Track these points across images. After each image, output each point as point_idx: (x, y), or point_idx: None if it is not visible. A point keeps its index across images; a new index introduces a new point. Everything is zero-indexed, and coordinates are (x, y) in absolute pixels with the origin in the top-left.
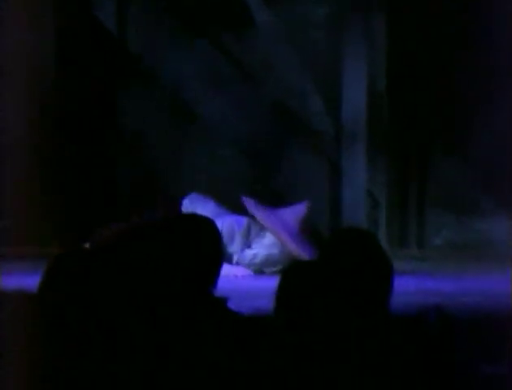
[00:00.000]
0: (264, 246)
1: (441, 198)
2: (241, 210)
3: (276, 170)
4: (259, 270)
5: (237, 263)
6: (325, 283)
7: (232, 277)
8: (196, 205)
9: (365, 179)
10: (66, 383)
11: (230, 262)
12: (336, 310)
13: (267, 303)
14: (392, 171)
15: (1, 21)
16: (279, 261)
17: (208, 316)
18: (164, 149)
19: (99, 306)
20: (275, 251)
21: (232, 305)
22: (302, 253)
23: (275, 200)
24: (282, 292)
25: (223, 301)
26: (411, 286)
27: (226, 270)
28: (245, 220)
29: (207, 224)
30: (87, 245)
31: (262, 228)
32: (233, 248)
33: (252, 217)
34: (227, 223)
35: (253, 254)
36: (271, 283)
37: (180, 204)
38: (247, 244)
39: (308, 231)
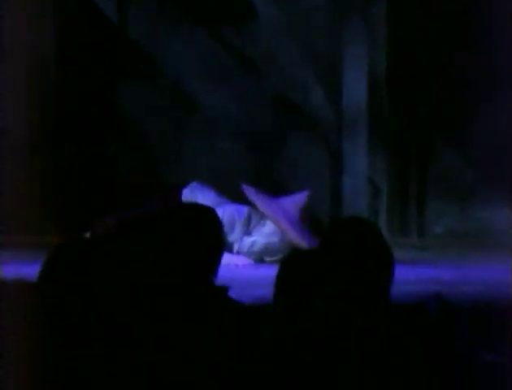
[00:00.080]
0: (264, 234)
1: (442, 187)
2: (242, 200)
3: (277, 159)
4: (260, 258)
5: (238, 252)
6: (325, 272)
7: (233, 266)
8: (196, 194)
9: (365, 168)
10: (65, 373)
11: (230, 251)
12: (336, 299)
13: (268, 292)
14: (392, 160)
15: (1, 20)
16: (279, 249)
17: (209, 305)
18: (165, 140)
19: (99, 296)
20: (274, 239)
21: (232, 294)
22: (302, 241)
23: (275, 189)
24: (281, 281)
25: (223, 290)
26: (411, 275)
27: (226, 259)
28: (245, 209)
29: (208, 213)
30: (87, 235)
31: (263, 217)
32: (234, 237)
33: (252, 206)
34: (227, 212)
35: (251, 242)
36: (272, 272)
37: (181, 194)
38: (247, 233)
39: (308, 219)
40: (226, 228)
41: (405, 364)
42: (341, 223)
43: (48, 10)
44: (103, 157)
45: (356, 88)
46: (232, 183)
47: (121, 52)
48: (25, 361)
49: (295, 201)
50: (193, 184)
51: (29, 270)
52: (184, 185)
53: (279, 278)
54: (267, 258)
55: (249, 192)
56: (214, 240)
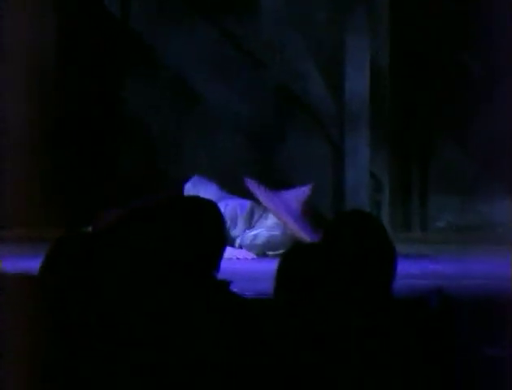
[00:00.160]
0: (266, 228)
1: (444, 181)
2: (243, 194)
3: (278, 153)
4: (262, 252)
5: (240, 246)
6: (326, 266)
7: (235, 260)
8: (198, 188)
9: (367, 162)
10: (66, 367)
11: (233, 245)
12: (338, 293)
13: (270, 286)
14: (394, 154)
15: (1, 20)
16: (281, 243)
17: (210, 299)
18: (165, 133)
19: (101, 289)
20: (276, 233)
21: (234, 288)
22: (304, 235)
23: (277, 182)
24: (282, 275)
25: (225, 284)
26: (413, 269)
27: (229, 253)
28: (248, 204)
29: (210, 207)
30: (89, 229)
31: (265, 211)
32: (236, 231)
33: (255, 200)
34: (230, 207)
35: (253, 235)
36: (274, 265)
37: (182, 188)
38: (250, 228)
39: (310, 213)
40: (228, 222)
41: (406, 358)
42: (343, 217)
43: (48, 8)
44: (104, 151)
45: (358, 82)
46: (234, 176)
47: (122, 46)
48: (26, 354)
49: (297, 195)
50: (196, 178)
51: (30, 263)
52: (185, 179)
53: (280, 271)
54: (270, 252)
55: (252, 185)
56: (216, 233)
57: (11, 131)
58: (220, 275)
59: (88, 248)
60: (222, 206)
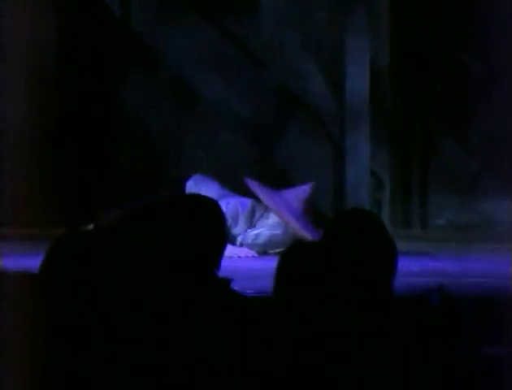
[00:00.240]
0: (267, 226)
1: (444, 179)
2: (244, 192)
3: (279, 151)
4: (263, 251)
5: (241, 245)
6: (327, 264)
7: (236, 258)
8: (200, 186)
9: (368, 160)
10: (65, 366)
11: (234, 243)
12: (338, 291)
13: (271, 284)
14: (395, 152)
15: (1, 20)
16: (283, 241)
17: (211, 297)
18: (166, 132)
19: (101, 288)
20: (278, 232)
21: (235, 286)
22: (306, 233)
23: (277, 181)
24: (281, 273)
25: (226, 282)
26: (413, 267)
27: (229, 250)
28: (249, 202)
29: (210, 205)
30: (89, 227)
31: (267, 210)
32: (237, 230)
33: (256, 198)
34: (231, 205)
35: (255, 234)
36: (275, 263)
37: (183, 186)
38: (251, 226)
39: (312, 212)
40: (229, 221)
41: (407, 356)
42: (344, 215)
43: (48, 8)
44: (104, 151)
45: (359, 80)
46: (234, 175)
47: (122, 45)
48: (26, 353)
49: (298, 194)
50: (197, 177)
51: (31, 262)
52: (185, 178)
53: (280, 269)
54: (271, 250)
55: (252, 185)
56: (217, 231)
57: (11, 131)
58: (221, 273)
59: (88, 246)
60: (223, 204)
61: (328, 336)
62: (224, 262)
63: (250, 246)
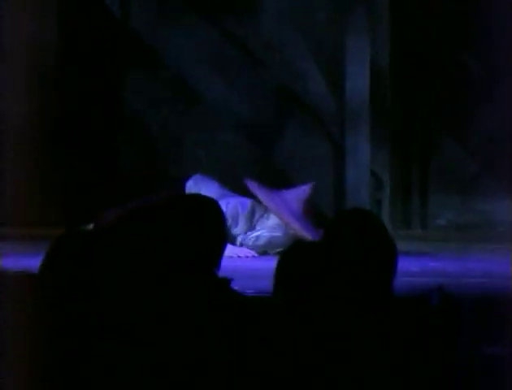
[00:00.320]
0: (268, 228)
1: (444, 179)
2: (244, 192)
3: (279, 151)
4: (263, 251)
5: (241, 245)
6: (327, 264)
7: (236, 258)
8: (200, 186)
9: (368, 160)
10: (65, 366)
11: (234, 243)
12: (338, 292)
13: (271, 284)
14: (395, 152)
15: (1, 18)
16: (283, 243)
17: (211, 297)
18: (166, 132)
19: (101, 288)
20: (278, 233)
21: (235, 285)
22: (306, 234)
23: (277, 181)
24: (281, 273)
25: (226, 282)
26: (414, 267)
27: (229, 250)
28: (249, 202)
29: (210, 204)
30: (90, 227)
31: (267, 210)
32: (237, 230)
33: (256, 199)
34: (231, 205)
35: (255, 237)
36: (275, 263)
37: (183, 186)
38: (251, 226)
39: (312, 212)
40: (229, 221)
41: (407, 356)
42: (344, 215)
43: (48, 8)
44: (104, 151)
45: (359, 80)
46: (234, 175)
47: (123, 44)
48: (26, 353)
49: (298, 194)
50: (197, 176)
51: (31, 262)
52: (185, 177)
53: (279, 269)
54: (271, 250)
55: (252, 186)
56: (217, 231)
57: (11, 131)
58: (221, 273)
59: (88, 246)
60: (223, 204)
61: (328, 336)
62: (224, 262)
63: (250, 248)
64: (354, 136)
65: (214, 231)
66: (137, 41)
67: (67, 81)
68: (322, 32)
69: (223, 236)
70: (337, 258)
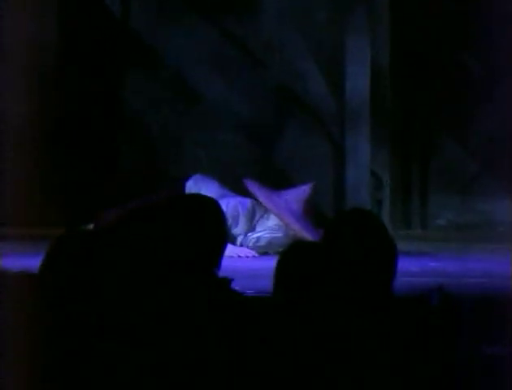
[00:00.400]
0: (268, 229)
1: (444, 179)
2: (245, 193)
3: (279, 151)
4: (264, 251)
5: (241, 245)
6: (327, 264)
7: (236, 258)
8: (200, 186)
9: (368, 160)
10: (66, 365)
11: (234, 244)
12: (338, 292)
13: (271, 284)
14: (395, 152)
15: (1, 18)
16: (284, 244)
17: (212, 297)
18: (166, 132)
19: (101, 288)
20: (279, 234)
21: (235, 285)
22: (307, 234)
23: (277, 181)
24: (281, 273)
25: (226, 282)
26: (414, 267)
27: (230, 250)
28: (249, 202)
29: (211, 204)
30: (90, 227)
31: (267, 210)
32: (238, 230)
33: (256, 199)
34: (231, 205)
35: (256, 238)
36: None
37: (183, 186)
38: (251, 227)
39: (312, 212)
40: (230, 221)
41: (407, 356)
42: (344, 215)
43: (48, 8)
44: (104, 151)
45: (359, 80)
46: (234, 175)
47: (123, 44)
48: (26, 353)
49: (298, 195)
50: (197, 176)
51: (31, 262)
52: (185, 177)
53: (279, 269)
54: (271, 250)
55: (252, 187)
56: (217, 231)
57: (11, 131)
58: (221, 273)
59: (88, 246)
60: (223, 204)
61: (328, 336)
62: (224, 262)
63: (251, 248)
64: (354, 136)
65: (215, 231)
66: (137, 41)
67: (67, 81)
68: (322, 32)
69: (224, 236)
70: (337, 258)
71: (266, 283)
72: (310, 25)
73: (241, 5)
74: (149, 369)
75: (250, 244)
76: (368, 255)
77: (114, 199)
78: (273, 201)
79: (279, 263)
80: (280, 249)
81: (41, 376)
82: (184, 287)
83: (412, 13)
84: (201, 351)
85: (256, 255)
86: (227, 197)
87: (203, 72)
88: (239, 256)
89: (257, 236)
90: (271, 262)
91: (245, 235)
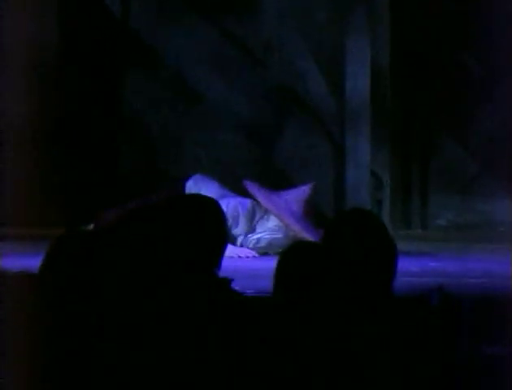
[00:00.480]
0: (268, 230)
1: (444, 179)
2: (245, 193)
3: (279, 151)
4: (264, 252)
5: (241, 245)
6: (327, 264)
7: (236, 258)
8: (200, 186)
9: (368, 160)
10: (66, 365)
11: (234, 244)
12: (338, 291)
13: (271, 284)
14: (395, 152)
15: (1, 18)
16: (284, 245)
17: (212, 297)
18: (166, 132)
19: (101, 288)
20: (279, 235)
21: (236, 286)
22: (307, 235)
23: (277, 181)
24: (281, 273)
25: (227, 282)
26: (414, 267)
27: (230, 250)
28: (249, 202)
29: (211, 204)
30: (90, 227)
31: (267, 211)
32: (238, 230)
33: (256, 200)
34: (231, 205)
35: (256, 239)
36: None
37: (183, 186)
38: (251, 227)
39: (312, 212)
40: (230, 221)
41: (407, 356)
42: (344, 215)
43: (48, 8)
44: (104, 151)
45: (359, 80)
46: (234, 175)
47: (123, 44)
48: (26, 353)
49: (298, 195)
50: (197, 176)
51: (31, 262)
52: (185, 177)
53: (279, 269)
54: (272, 251)
55: (252, 187)
56: (217, 231)
57: (11, 131)
58: (221, 273)
59: (88, 246)
60: (223, 205)
61: (328, 336)
62: (225, 262)
63: (251, 249)
64: (354, 136)
65: (215, 231)
66: (137, 41)
67: (67, 81)
68: (322, 32)
69: (224, 236)
70: (337, 258)
71: (267, 284)
72: (310, 25)
73: (241, 5)
74: (149, 369)
75: (250, 246)
76: (368, 255)
77: (115, 199)
78: (273, 202)
79: (280, 263)
80: (281, 250)
81: (41, 376)
82: (184, 287)
83: (412, 13)
84: (202, 351)
85: (256, 255)
86: (227, 197)
87: (203, 72)
88: (239, 256)
89: (257, 237)
90: (271, 263)
91: (245, 235)
